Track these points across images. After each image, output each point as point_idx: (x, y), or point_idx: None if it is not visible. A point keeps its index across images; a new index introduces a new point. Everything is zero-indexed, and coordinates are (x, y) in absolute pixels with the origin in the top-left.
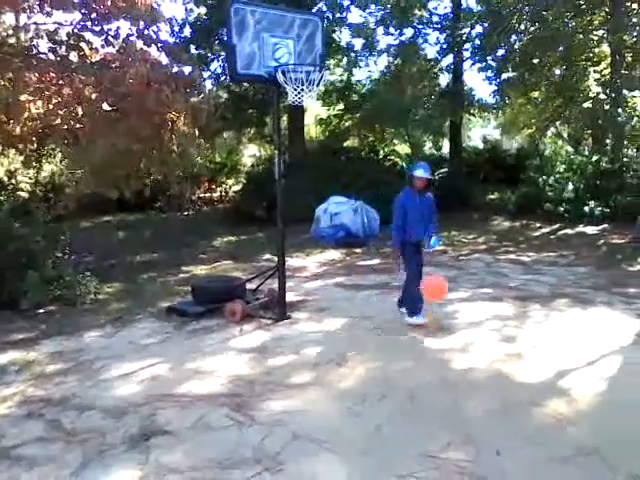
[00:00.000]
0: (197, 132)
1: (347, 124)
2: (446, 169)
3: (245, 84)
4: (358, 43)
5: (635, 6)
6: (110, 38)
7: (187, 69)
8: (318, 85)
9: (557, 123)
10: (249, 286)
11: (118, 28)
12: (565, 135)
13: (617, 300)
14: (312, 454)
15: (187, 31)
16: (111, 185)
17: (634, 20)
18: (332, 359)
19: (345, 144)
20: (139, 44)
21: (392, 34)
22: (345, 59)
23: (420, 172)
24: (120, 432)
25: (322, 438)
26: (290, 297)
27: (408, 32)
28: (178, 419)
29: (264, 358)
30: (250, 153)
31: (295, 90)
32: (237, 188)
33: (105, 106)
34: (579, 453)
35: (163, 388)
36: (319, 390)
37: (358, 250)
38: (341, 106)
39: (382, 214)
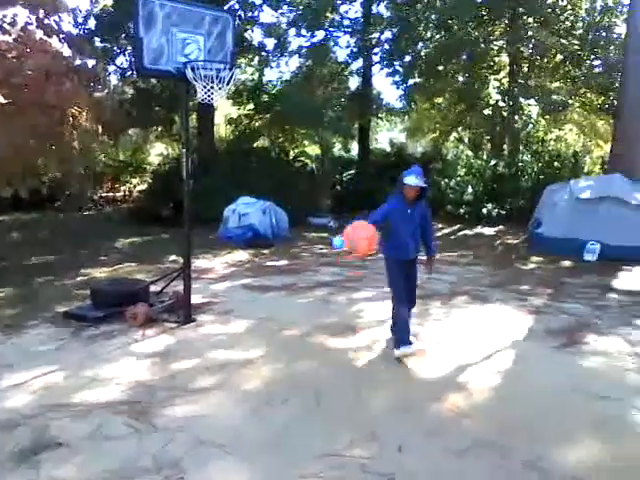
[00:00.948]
0: (100, 128)
1: (257, 124)
2: (353, 171)
3: (153, 80)
4: (270, 43)
5: (531, 20)
6: (6, 26)
7: (91, 62)
8: (228, 83)
9: (459, 128)
10: (153, 289)
11: (15, 15)
12: (466, 140)
13: (511, 297)
14: (215, 459)
15: (92, 23)
16: (4, 183)
17: (530, 33)
18: (237, 361)
19: (255, 144)
20: (39, 34)
21: (304, 36)
22: (256, 58)
23: (412, 179)
24: (9, 446)
25: (226, 442)
26: (196, 299)
27: (319, 34)
28: (73, 430)
29: (167, 363)
30: (157, 152)
31: (205, 87)
32: (142, 188)
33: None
34: (476, 444)
35: (58, 397)
36: (223, 393)
37: (266, 251)
38: (252, 106)
39: (291, 215)
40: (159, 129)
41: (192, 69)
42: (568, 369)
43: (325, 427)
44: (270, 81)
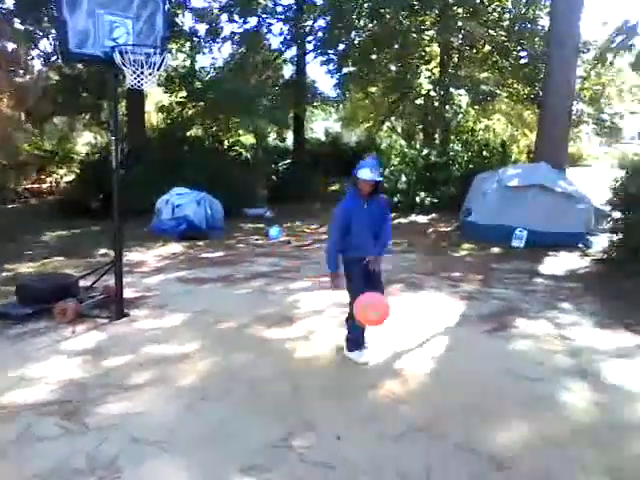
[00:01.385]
0: (23, 116)
1: (190, 112)
2: (289, 160)
3: (79, 65)
4: (201, 29)
5: (460, 10)
6: None
7: (11, 45)
8: (159, 69)
9: (392, 118)
10: (83, 284)
11: None
12: (399, 129)
13: (444, 284)
14: (151, 457)
15: (10, 2)
16: None
17: (459, 23)
18: (172, 356)
19: (188, 133)
20: None
21: (236, 22)
22: (188, 44)
23: (366, 173)
24: None
25: (162, 439)
26: (128, 294)
27: (252, 21)
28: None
29: (99, 360)
30: (85, 141)
31: (134, 73)
32: (70, 178)
33: None
34: (411, 429)
35: None
36: (158, 389)
37: (201, 243)
38: (184, 93)
39: (226, 205)
40: (87, 117)
41: (121, 53)
42: (499, 353)
43: (263, 419)
44: (203, 68)
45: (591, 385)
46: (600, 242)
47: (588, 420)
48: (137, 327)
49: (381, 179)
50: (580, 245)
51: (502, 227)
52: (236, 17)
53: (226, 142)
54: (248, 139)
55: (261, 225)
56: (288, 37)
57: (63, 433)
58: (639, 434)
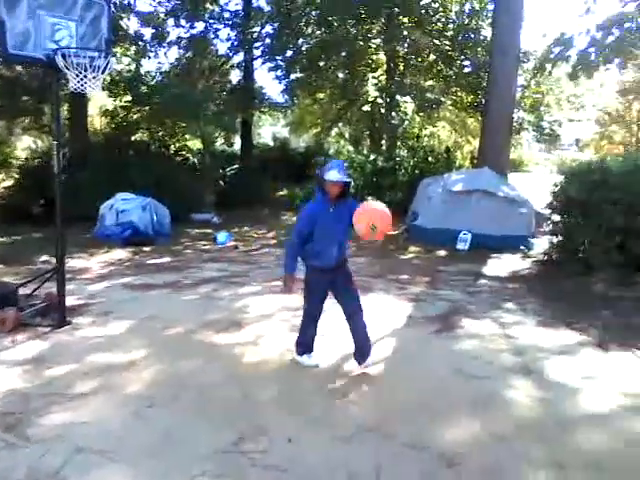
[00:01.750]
0: None
1: (135, 117)
2: (237, 165)
3: (19, 68)
4: (147, 33)
5: (406, 20)
6: None
7: None
8: (103, 72)
9: (340, 124)
10: (23, 292)
11: None
12: (347, 135)
13: (392, 286)
14: (97, 467)
15: None
16: None
17: (405, 33)
18: (118, 364)
19: (133, 138)
20: None
21: (183, 26)
22: (133, 48)
23: (333, 174)
24: None
25: (108, 448)
26: (71, 301)
27: (199, 26)
28: None
29: (42, 369)
30: (24, 145)
31: (77, 76)
32: (8, 184)
33: None
34: (361, 430)
35: None
36: (104, 398)
37: (147, 249)
38: (129, 97)
39: (173, 211)
40: (27, 120)
41: (63, 56)
42: (447, 353)
43: (212, 425)
44: (148, 72)
45: (535, 382)
46: (541, 244)
47: (533, 416)
48: (81, 335)
49: (350, 180)
50: (522, 247)
51: (447, 230)
52: (183, 22)
53: (173, 147)
54: (195, 144)
55: (209, 230)
56: (235, 43)
57: (4, 447)
58: (581, 428)
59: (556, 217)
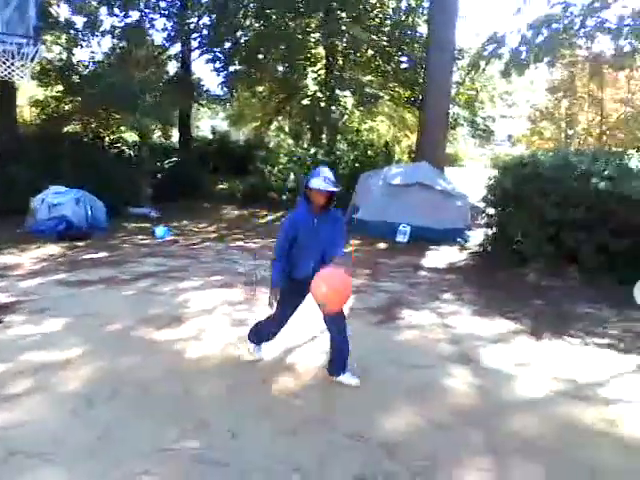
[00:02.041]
0: None
1: (67, 107)
2: (175, 158)
3: None
4: (79, 21)
5: (344, 15)
6: None
7: None
8: (32, 60)
9: (280, 117)
10: None
11: None
12: (287, 129)
13: None
14: (32, 469)
15: None
16: None
17: (343, 27)
18: (54, 362)
19: (66, 129)
20: None
21: (117, 15)
22: (64, 36)
23: (318, 182)
24: None
25: (43, 450)
26: (2, 299)
27: (134, 15)
28: None
29: None
30: None
31: (4, 64)
32: None
33: None
34: (304, 423)
35: None
36: (40, 398)
37: (82, 243)
38: (60, 87)
39: (109, 205)
40: None
41: None
42: (386, 343)
43: (153, 422)
44: (80, 61)
45: (472, 370)
46: (476, 236)
47: (470, 402)
48: (13, 333)
49: (337, 189)
50: (459, 239)
51: (387, 223)
52: (117, 10)
53: (107, 139)
54: (132, 136)
55: (147, 224)
56: (172, 33)
57: None
58: (515, 413)
59: (491, 210)
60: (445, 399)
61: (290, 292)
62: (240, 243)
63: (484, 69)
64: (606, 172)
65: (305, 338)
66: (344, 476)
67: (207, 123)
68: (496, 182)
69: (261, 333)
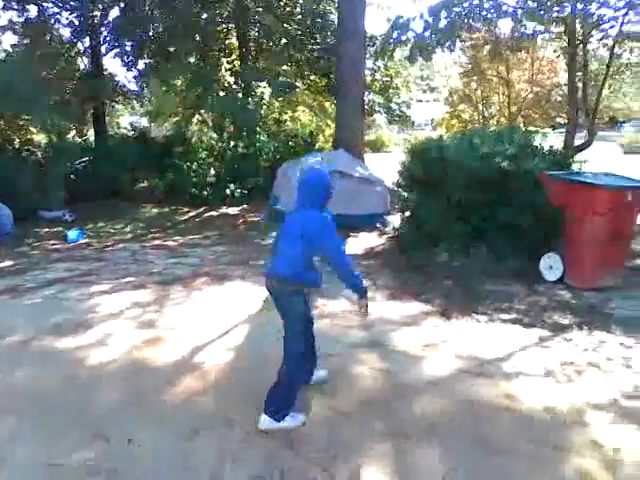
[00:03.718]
0: None
1: None
2: (86, 158)
3: None
4: None
5: (254, 4)
6: None
7: None
8: None
9: (202, 111)
10: None
11: None
12: (210, 122)
13: (250, 273)
14: None
15: None
16: None
17: (255, 17)
18: None
19: None
20: None
21: (15, 9)
22: None
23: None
24: None
25: None
26: None
27: (33, 9)
28: None
29: None
30: None
31: None
32: None
33: None
34: (205, 423)
35: None
36: None
37: None
38: None
39: (17, 209)
40: None
41: None
42: None
43: (47, 435)
44: None
45: (380, 354)
46: (396, 221)
47: (376, 387)
48: None
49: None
50: (378, 225)
51: None
52: (15, 4)
53: (17, 142)
54: (44, 138)
55: (60, 228)
56: (79, 28)
57: None
58: (418, 394)
59: (404, 194)
60: (353, 386)
61: (304, 305)
62: (158, 242)
63: (391, 55)
64: (509, 152)
65: (214, 336)
66: (240, 476)
67: (129, 120)
68: (405, 167)
69: (288, 392)
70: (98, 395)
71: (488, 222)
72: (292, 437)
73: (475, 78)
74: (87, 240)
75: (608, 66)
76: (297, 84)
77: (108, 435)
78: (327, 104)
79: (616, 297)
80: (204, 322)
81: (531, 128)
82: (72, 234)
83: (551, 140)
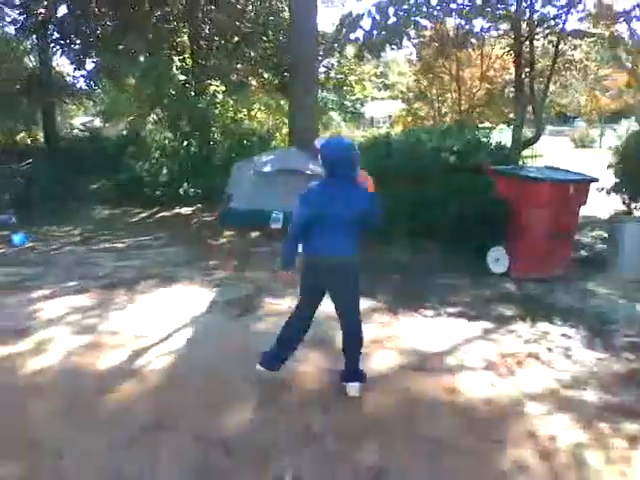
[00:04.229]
0: None
1: None
2: (30, 160)
3: None
4: None
5: (203, 1)
6: None
7: None
8: None
9: (158, 109)
10: None
11: None
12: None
13: (198, 274)
14: None
15: None
16: None
17: (206, 14)
18: None
19: None
20: None
21: None
22: None
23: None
24: None
25: None
26: None
27: None
28: None
29: None
30: None
31: None
32: None
33: None
34: (144, 430)
35: None
36: None
37: None
38: None
39: None
40: None
41: None
42: (242, 335)
43: None
44: None
45: (325, 353)
46: None
47: (317, 387)
48: None
49: None
50: None
51: (260, 211)
52: None
53: None
54: None
55: (5, 232)
56: (24, 26)
57: None
58: (365, 392)
59: None
60: (293, 387)
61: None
62: (107, 245)
63: (341, 52)
64: (455, 147)
65: (155, 340)
66: None
67: (81, 120)
68: None
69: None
70: (30, 405)
71: (436, 217)
72: (229, 441)
73: (429, 76)
74: (33, 244)
75: (553, 62)
76: (250, 82)
77: (38, 447)
78: (283, 102)
79: (559, 288)
80: (147, 326)
81: (487, 124)
82: (17, 238)
83: (507, 136)
